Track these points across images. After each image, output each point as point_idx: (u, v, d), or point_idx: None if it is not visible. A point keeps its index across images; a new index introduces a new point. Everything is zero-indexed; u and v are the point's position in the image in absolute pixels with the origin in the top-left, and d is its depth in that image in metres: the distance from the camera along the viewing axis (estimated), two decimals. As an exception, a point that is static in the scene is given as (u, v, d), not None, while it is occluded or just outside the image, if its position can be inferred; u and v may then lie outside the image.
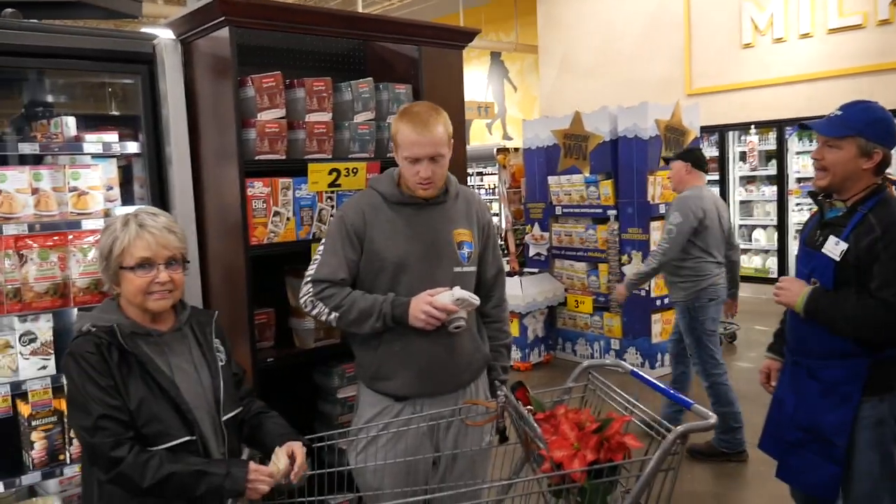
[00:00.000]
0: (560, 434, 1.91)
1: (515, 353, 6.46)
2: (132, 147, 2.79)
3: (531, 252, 7.00)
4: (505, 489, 2.19)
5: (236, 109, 2.48)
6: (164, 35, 2.73)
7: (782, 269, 9.28)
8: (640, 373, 2.21)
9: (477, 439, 2.42)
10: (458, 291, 2.19)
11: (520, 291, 6.38)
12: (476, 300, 2.23)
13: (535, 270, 6.80)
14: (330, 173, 2.70)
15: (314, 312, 2.28)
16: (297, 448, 1.95)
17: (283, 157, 2.63)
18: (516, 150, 8.55)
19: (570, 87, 11.34)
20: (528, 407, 2.09)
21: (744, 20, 9.28)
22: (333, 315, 2.25)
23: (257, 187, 2.56)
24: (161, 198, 2.76)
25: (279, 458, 1.91)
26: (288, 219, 2.64)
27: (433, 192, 2.29)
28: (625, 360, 6.21)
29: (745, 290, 9.42)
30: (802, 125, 2.57)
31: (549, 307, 6.70)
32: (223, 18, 2.46)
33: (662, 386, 2.07)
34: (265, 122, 2.56)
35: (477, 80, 14.49)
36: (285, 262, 2.84)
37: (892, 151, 2.48)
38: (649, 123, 6.03)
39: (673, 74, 10.08)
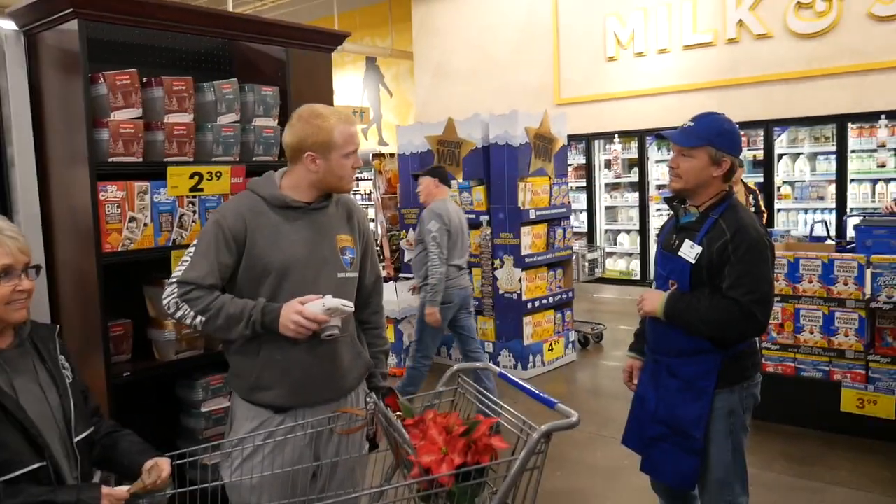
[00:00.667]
0: (428, 439, 1.91)
1: (391, 359, 6.45)
2: (-32, 147, 2.57)
3: (406, 257, 7.02)
4: (377, 497, 2.18)
5: (87, 108, 2.33)
6: (6, 26, 2.53)
7: (644, 270, 9.78)
8: (508, 374, 2.26)
9: (357, 447, 2.40)
10: (329, 300, 2.14)
11: (395, 297, 6.38)
12: (350, 307, 2.19)
13: (411, 276, 6.81)
14: (191, 177, 2.60)
15: (178, 315, 2.17)
16: (165, 463, 1.87)
17: (140, 160, 2.50)
18: (392, 155, 8.56)
19: (445, 94, 11.47)
20: (398, 413, 2.08)
21: (608, 34, 9.72)
22: (199, 319, 2.15)
23: (111, 191, 2.41)
24: (2, 201, 2.55)
25: (151, 475, 1.82)
26: (145, 224, 2.51)
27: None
28: (498, 362, 6.36)
29: (610, 292, 9.93)
30: (659, 135, 2.73)
31: (425, 312, 6.72)
32: (71, 10, 2.31)
33: (527, 387, 2.12)
34: (119, 122, 2.42)
35: (352, 84, 14.40)
36: (143, 270, 2.69)
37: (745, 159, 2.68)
38: (519, 131, 6.20)
39: (543, 83, 10.41)
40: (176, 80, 2.58)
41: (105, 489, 1.74)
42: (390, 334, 6.42)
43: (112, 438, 1.94)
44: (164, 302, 2.19)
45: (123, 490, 1.77)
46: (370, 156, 8.07)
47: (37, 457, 1.70)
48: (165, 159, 2.56)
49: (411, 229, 6.97)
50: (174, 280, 2.17)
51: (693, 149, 2.55)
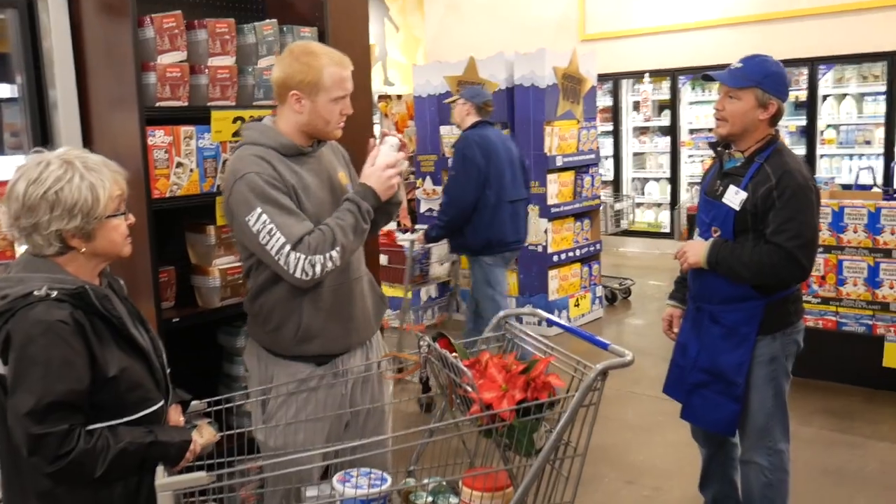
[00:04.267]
0: (487, 377, 2.19)
1: (408, 315, 6.74)
2: (3, 91, 2.81)
3: (422, 208, 7.26)
4: (427, 436, 2.46)
5: (135, 51, 2.55)
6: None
7: (674, 223, 10.01)
8: (555, 319, 2.54)
9: (388, 392, 2.66)
10: (389, 140, 2.39)
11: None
12: (395, 140, 2.43)
13: (426, 227, 7.05)
14: (234, 122, 2.82)
15: (318, 269, 2.26)
16: (207, 429, 2.10)
17: (186, 104, 2.74)
18: (399, 97, 8.72)
19: (458, 29, 11.55)
20: (454, 354, 2.35)
21: (638, -38, 9.80)
22: (335, 253, 2.26)
23: (158, 136, 2.65)
24: (44, 146, 2.78)
25: (204, 431, 2.06)
26: (191, 170, 2.75)
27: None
28: (521, 319, 6.59)
29: (637, 245, 10.18)
30: (706, 76, 2.95)
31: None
32: (118, -48, 2.52)
33: (579, 330, 2.39)
34: (166, 66, 2.65)
35: (353, 17, 14.39)
36: (185, 217, 2.95)
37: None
38: (547, 71, 6.37)
39: (567, 17, 10.50)
40: (219, 22, 2.80)
41: (194, 435, 1.98)
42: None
43: None
44: (296, 274, 2.24)
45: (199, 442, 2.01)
46: (375, 97, 8.23)
47: (160, 393, 1.92)
48: (209, 104, 2.80)
49: (428, 177, 7.19)
50: (288, 248, 2.22)
51: (740, 90, 2.77)
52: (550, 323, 2.59)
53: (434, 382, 2.58)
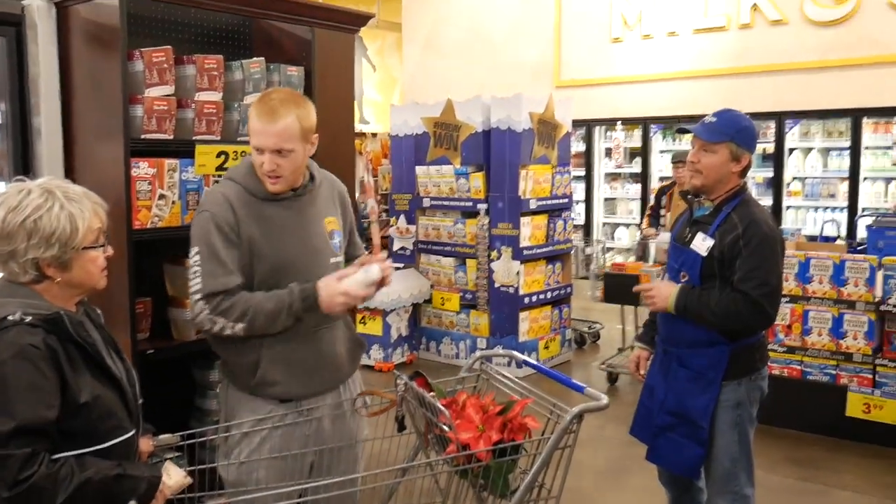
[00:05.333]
0: (465, 418, 2.22)
1: (378, 353, 6.74)
2: (-13, 116, 2.83)
3: (396, 246, 7.29)
4: (400, 475, 2.47)
5: (124, 84, 2.59)
6: (35, -3, 2.78)
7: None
8: (532, 361, 2.59)
9: (360, 430, 2.65)
10: (372, 272, 2.36)
11: (384, 287, 6.65)
12: (376, 274, 2.40)
13: (400, 265, 7.09)
14: (218, 156, 2.87)
15: (216, 329, 2.27)
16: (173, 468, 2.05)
17: (171, 137, 2.77)
18: (374, 135, 8.80)
19: (436, 70, 11.69)
20: (431, 393, 2.38)
21: (614, 14, 10.05)
22: (239, 326, 2.26)
23: (142, 168, 2.68)
24: (24, 173, 2.80)
25: (172, 472, 1.99)
26: (173, 202, 2.78)
27: (281, 187, 2.33)
28: (490, 360, 6.63)
29: (607, 290, 10.25)
30: (681, 129, 3.06)
31: (414, 304, 7.01)
32: (111, -14, 2.56)
33: (556, 373, 2.44)
34: (153, 99, 2.69)
35: (331, 54, 14.54)
36: (164, 248, 2.96)
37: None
38: (523, 116, 6.48)
39: (542, 64, 10.71)
40: (207, 58, 2.85)
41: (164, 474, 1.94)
42: (378, 327, 6.71)
43: None
44: (197, 320, 2.29)
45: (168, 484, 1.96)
46: (353, 135, 8.28)
47: (132, 423, 1.92)
48: (194, 137, 2.83)
49: (402, 216, 7.25)
50: (198, 296, 2.25)
51: (715, 144, 2.88)
52: (528, 365, 2.64)
53: (409, 421, 2.60)
